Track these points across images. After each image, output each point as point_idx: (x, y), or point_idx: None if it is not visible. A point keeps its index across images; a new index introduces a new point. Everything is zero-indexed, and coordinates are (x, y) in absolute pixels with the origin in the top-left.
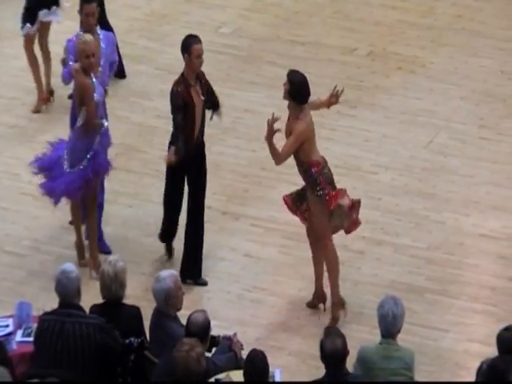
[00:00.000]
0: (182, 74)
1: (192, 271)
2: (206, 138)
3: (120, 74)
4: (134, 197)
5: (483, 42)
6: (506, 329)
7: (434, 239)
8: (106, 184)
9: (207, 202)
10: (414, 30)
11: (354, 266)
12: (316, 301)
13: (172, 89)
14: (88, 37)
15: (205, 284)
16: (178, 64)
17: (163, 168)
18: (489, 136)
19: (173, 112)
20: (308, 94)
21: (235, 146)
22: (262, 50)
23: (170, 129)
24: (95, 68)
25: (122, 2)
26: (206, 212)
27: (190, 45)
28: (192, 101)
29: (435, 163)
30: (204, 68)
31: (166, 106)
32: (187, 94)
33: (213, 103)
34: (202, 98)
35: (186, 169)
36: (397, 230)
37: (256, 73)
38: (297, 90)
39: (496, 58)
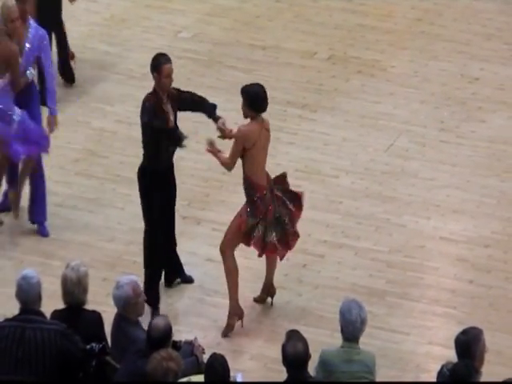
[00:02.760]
0: (154, 90)
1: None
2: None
3: (68, 78)
4: (94, 202)
5: (443, 46)
6: (463, 332)
7: (394, 242)
8: (67, 189)
9: None
10: (373, 33)
11: (315, 270)
12: (264, 295)
13: (144, 103)
14: (11, 2)
15: (192, 281)
16: (138, 69)
17: (124, 173)
18: (449, 139)
19: (147, 125)
20: (263, 103)
21: (196, 150)
22: (222, 55)
23: (131, 133)
24: (20, 32)
25: (81, 7)
26: None
27: (159, 64)
28: (164, 115)
29: (395, 167)
30: None
31: (126, 111)
32: (159, 108)
33: (203, 106)
34: (171, 119)
35: (158, 188)
36: (357, 234)
37: (216, 77)
38: (253, 99)
39: (455, 61)
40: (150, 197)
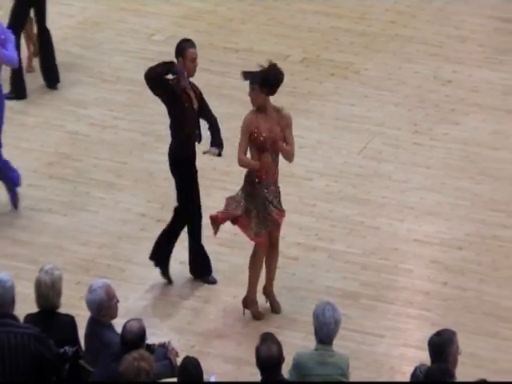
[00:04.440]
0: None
1: (204, 269)
2: (139, 146)
3: (51, 83)
4: (68, 205)
5: (416, 48)
6: (437, 334)
7: (368, 245)
8: (41, 193)
9: (141, 209)
10: (347, 36)
11: (289, 272)
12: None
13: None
14: None
15: (215, 282)
16: (112, 72)
17: (97, 176)
18: (422, 141)
19: (167, 101)
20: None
21: None
22: None
23: (105, 137)
24: None
25: (56, 11)
26: (141, 219)
27: (184, 48)
28: (186, 98)
29: (369, 169)
30: (138, 76)
31: (100, 114)
32: (181, 91)
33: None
34: (195, 104)
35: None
36: (331, 236)
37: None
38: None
39: (429, 63)
40: (181, 177)
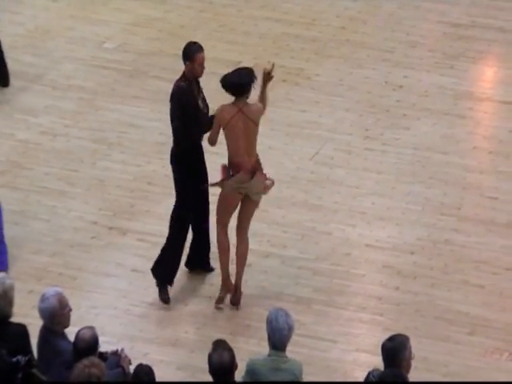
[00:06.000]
0: (184, 76)
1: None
2: (90, 154)
3: (3, 81)
4: (20, 214)
5: (367, 54)
6: (390, 339)
7: (320, 250)
8: None
9: (93, 217)
10: (298, 42)
11: (242, 279)
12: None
13: (178, 84)
14: None
15: (212, 270)
16: (62, 80)
17: (49, 185)
18: (373, 147)
19: (176, 110)
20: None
21: (121, 160)
22: (147, 65)
23: (56, 145)
24: None
25: (5, 19)
26: (92, 227)
27: (192, 52)
28: (196, 100)
29: (321, 175)
30: (88, 83)
31: (50, 122)
32: (192, 93)
33: None
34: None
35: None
36: (284, 242)
37: (141, 87)
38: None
39: (380, 68)
40: (183, 178)
